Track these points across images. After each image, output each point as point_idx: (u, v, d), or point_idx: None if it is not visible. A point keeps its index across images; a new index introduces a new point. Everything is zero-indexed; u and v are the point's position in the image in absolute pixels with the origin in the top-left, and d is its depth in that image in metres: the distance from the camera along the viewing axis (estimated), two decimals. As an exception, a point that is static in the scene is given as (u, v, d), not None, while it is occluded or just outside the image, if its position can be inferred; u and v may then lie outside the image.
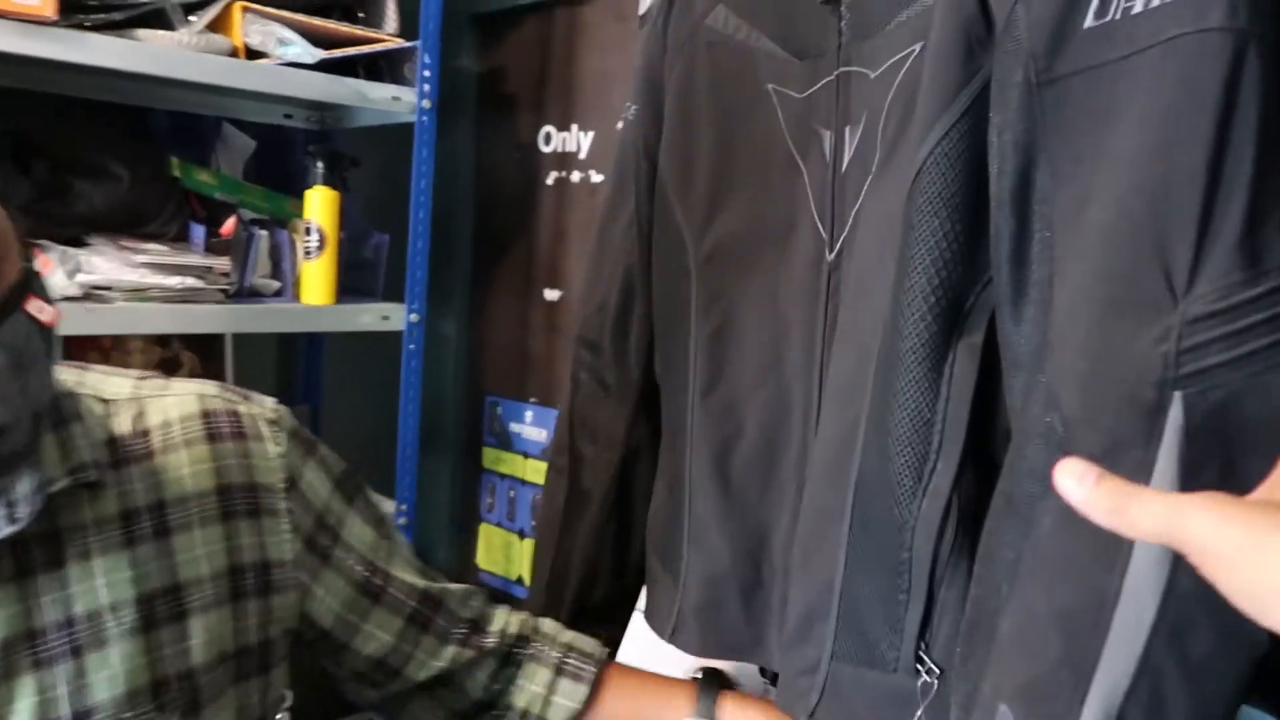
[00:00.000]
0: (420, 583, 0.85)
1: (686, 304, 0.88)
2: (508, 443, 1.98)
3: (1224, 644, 0.52)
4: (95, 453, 0.66)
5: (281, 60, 1.52)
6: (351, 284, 1.73)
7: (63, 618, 0.63)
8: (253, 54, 1.51)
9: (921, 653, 0.69)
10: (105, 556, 0.65)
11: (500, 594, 1.98)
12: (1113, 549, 0.53)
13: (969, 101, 0.65)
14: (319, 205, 1.63)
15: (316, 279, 1.64)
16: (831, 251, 0.78)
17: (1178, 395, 0.53)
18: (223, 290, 1.55)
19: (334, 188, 1.64)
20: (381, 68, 1.69)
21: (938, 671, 0.68)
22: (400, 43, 1.64)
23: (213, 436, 0.73)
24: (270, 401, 0.81)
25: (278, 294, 1.68)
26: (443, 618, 0.85)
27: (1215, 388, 0.52)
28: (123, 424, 0.70)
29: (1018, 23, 0.61)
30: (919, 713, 0.69)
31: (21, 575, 0.61)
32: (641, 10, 1.59)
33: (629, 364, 0.98)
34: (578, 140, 1.83)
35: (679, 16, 0.91)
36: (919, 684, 0.69)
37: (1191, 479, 0.53)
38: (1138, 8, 0.57)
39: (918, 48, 0.70)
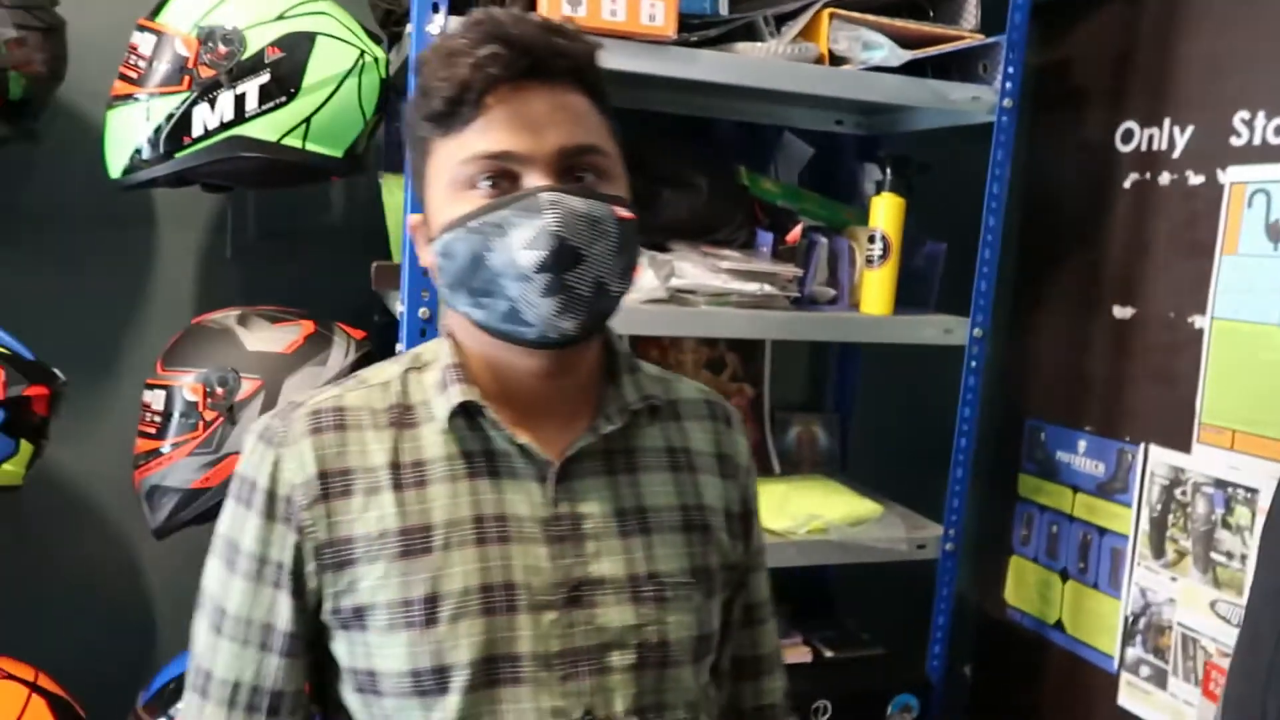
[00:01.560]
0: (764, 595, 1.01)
1: None
2: (1052, 473, 1.80)
3: None
4: (654, 389, 0.90)
5: (866, 65, 1.48)
6: (902, 294, 1.66)
7: (635, 506, 0.85)
8: (834, 60, 1.49)
9: None
10: (659, 473, 0.88)
11: (1031, 635, 1.82)
12: None
13: None
14: (885, 212, 1.57)
15: (877, 288, 1.59)
16: None
17: None
18: (789, 297, 1.55)
19: (900, 194, 1.58)
20: (949, 67, 1.60)
21: None
22: (983, 39, 1.54)
23: (714, 417, 0.95)
24: (732, 405, 1.01)
25: (832, 301, 1.65)
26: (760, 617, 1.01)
27: None
28: (661, 390, 0.92)
29: None
30: None
31: (610, 473, 0.85)
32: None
33: None
34: (1170, 137, 1.60)
35: None
36: None
37: None
38: None
39: None
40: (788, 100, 1.69)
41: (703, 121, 1.75)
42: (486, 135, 0.76)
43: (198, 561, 0.85)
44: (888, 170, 1.60)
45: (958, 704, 1.95)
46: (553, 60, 0.77)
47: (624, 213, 0.79)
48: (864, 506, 1.60)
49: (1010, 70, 1.52)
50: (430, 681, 0.77)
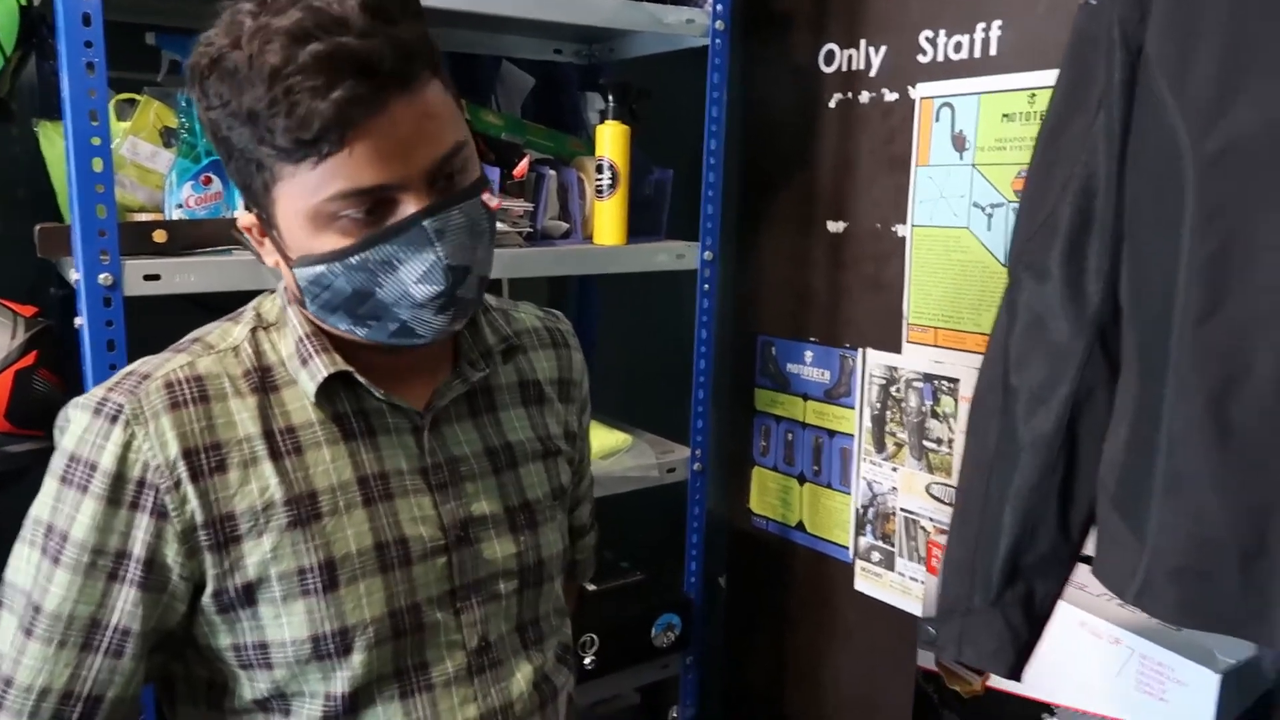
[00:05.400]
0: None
1: (1177, 217, 0.75)
2: (784, 384, 1.90)
3: None
4: (504, 325, 0.93)
5: (578, -12, 1.45)
6: (632, 223, 1.66)
7: (502, 443, 0.90)
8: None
9: None
10: (516, 408, 0.92)
11: (776, 539, 1.93)
12: None
13: None
14: (611, 141, 1.56)
15: (609, 218, 1.58)
16: None
17: None
18: (521, 233, 1.51)
19: (624, 122, 1.57)
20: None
21: None
22: (690, -38, 1.54)
23: (555, 344, 0.99)
24: (564, 317, 1.05)
25: (566, 235, 1.63)
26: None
27: None
28: (506, 324, 0.94)
29: None
30: None
31: (474, 415, 0.89)
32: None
33: (1085, 289, 0.86)
34: (866, 56, 1.69)
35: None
36: None
37: None
38: None
39: None
40: (504, 27, 1.62)
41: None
42: (353, 171, 0.70)
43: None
44: (610, 98, 1.58)
45: (715, 614, 2.05)
46: (408, 68, 0.70)
47: (492, 201, 0.79)
48: (613, 438, 1.61)
49: (720, -7, 1.54)
50: (332, 645, 0.78)
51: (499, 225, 1.46)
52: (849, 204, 1.74)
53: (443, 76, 0.75)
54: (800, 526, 1.88)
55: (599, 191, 1.58)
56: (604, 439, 1.61)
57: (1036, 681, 1.08)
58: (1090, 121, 0.83)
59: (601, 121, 1.57)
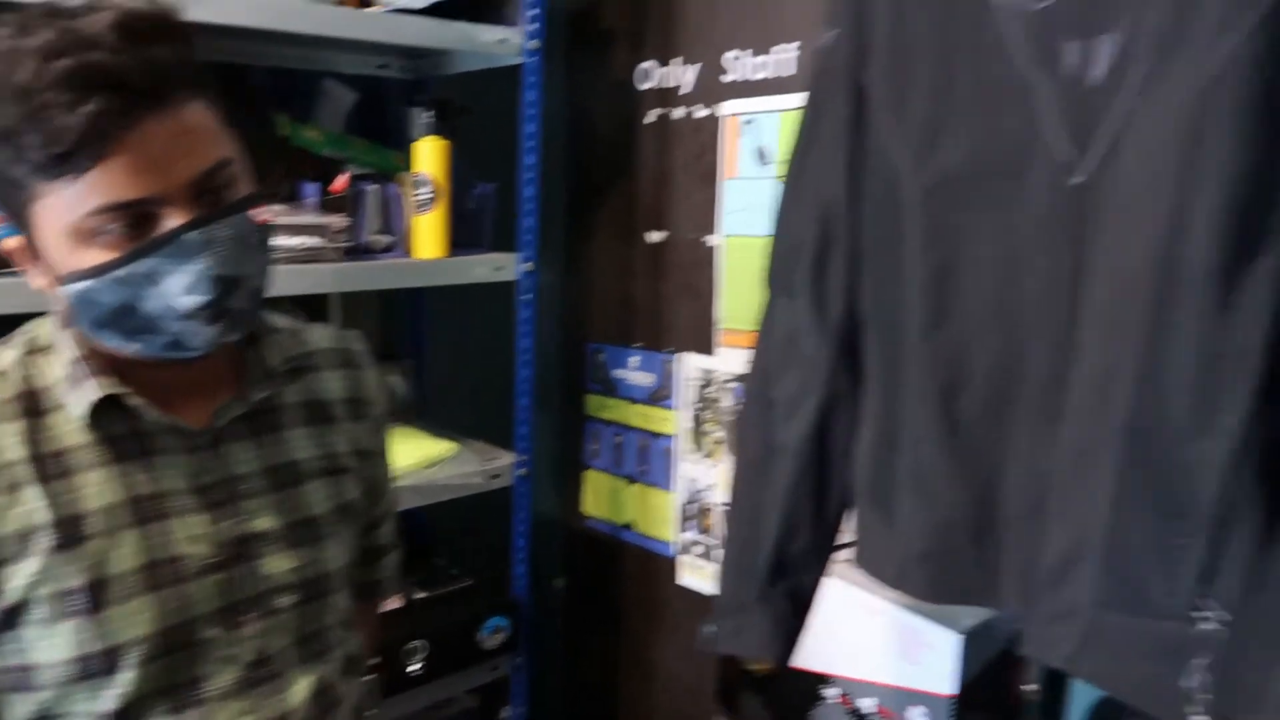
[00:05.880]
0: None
1: (903, 240, 0.85)
2: (612, 389, 1.97)
3: None
4: (292, 347, 0.94)
5: (390, 7, 1.48)
6: (457, 236, 1.70)
7: (285, 461, 0.90)
8: (365, 2, 1.47)
9: (1202, 600, 0.67)
10: (300, 428, 0.93)
11: (608, 539, 1.99)
12: None
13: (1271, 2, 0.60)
14: (429, 156, 1.60)
15: (429, 232, 1.62)
16: (1081, 174, 0.74)
17: None
18: (341, 248, 1.53)
19: (444, 137, 1.60)
20: (485, 10, 1.64)
21: (1227, 618, 0.66)
22: (505, -18, 1.59)
23: (346, 364, 1.00)
24: (359, 338, 1.07)
25: (388, 249, 1.66)
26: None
27: None
28: (295, 345, 0.96)
29: None
30: (1199, 661, 0.67)
31: (256, 434, 0.89)
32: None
33: (829, 306, 0.94)
34: (679, 75, 1.78)
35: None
36: (1197, 631, 0.67)
37: None
38: None
39: None
40: (323, 44, 1.63)
41: (234, 69, 1.64)
42: (111, 185, 0.71)
43: None
44: (428, 114, 1.61)
45: (553, 616, 2.10)
46: (161, 86, 0.72)
47: (262, 216, 0.80)
48: (438, 447, 1.64)
49: (533, 13, 1.60)
50: (98, 664, 0.78)
51: (315, 241, 1.47)
52: (667, 215, 1.83)
53: (209, 98, 0.77)
54: (630, 526, 1.96)
55: (419, 206, 1.61)
56: (428, 448, 1.64)
57: (816, 655, 1.17)
58: (827, 152, 0.92)
59: (420, 137, 1.60)
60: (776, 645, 1.02)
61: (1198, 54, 0.63)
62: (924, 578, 0.89)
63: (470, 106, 1.65)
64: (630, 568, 1.97)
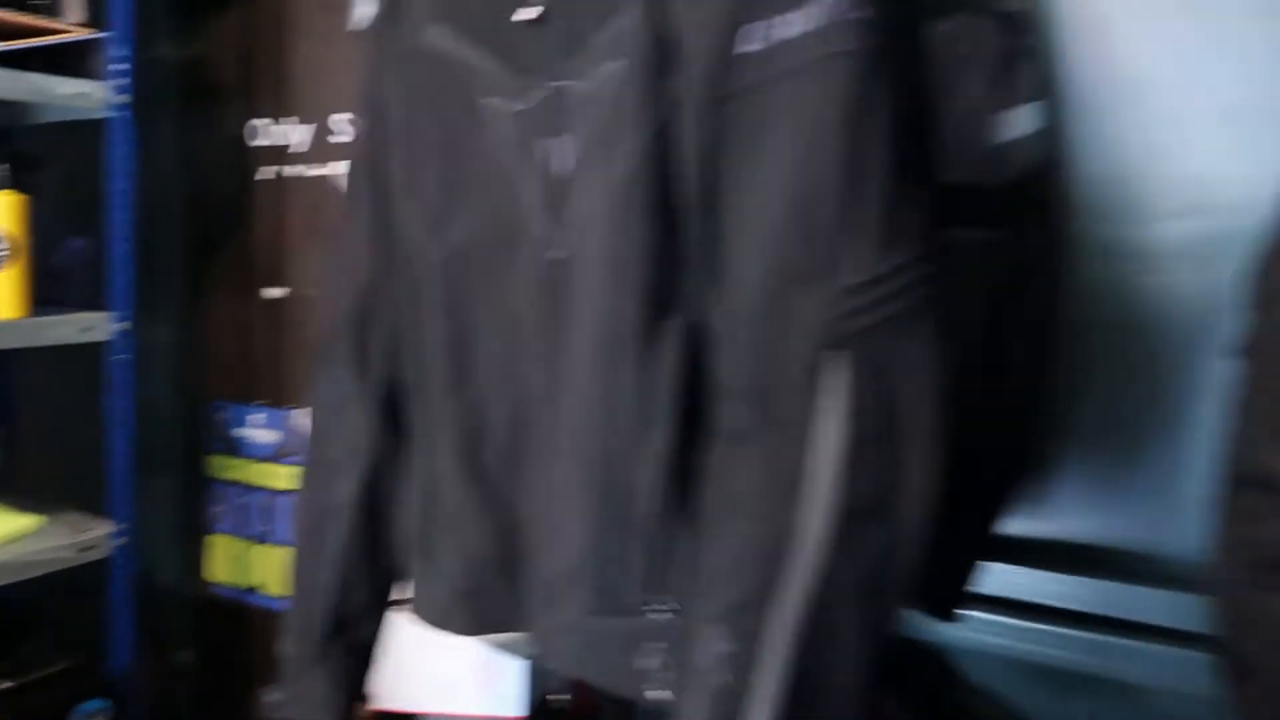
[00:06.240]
0: None
1: (427, 308, 0.92)
2: (235, 449, 1.92)
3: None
4: None
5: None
6: (48, 294, 1.60)
7: None
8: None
9: (654, 595, 0.80)
10: None
11: (234, 604, 1.92)
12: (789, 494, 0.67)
13: (662, 119, 0.75)
14: (5, 211, 1.50)
15: (6, 290, 1.51)
16: (557, 250, 0.85)
17: (839, 355, 0.67)
18: (-110, 308, 1.40)
19: (22, 191, 1.51)
20: (67, 60, 1.57)
21: (678, 607, 0.79)
22: (87, 33, 1.54)
23: None
24: None
25: (-41, 309, 1.53)
26: None
27: (868, 347, 0.67)
28: None
29: (689, 50, 0.73)
30: (654, 645, 0.80)
31: None
32: (356, 17, 1.59)
33: (371, 373, 1.00)
34: (291, 134, 1.80)
35: (396, 33, 0.94)
36: (647, 621, 0.80)
37: (855, 425, 0.67)
38: (786, 34, 0.71)
39: (620, 65, 0.79)
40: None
41: None
42: None
43: None
44: (5, 167, 1.52)
45: (184, 692, 1.99)
46: None
47: None
48: (17, 522, 1.52)
49: (121, 67, 1.55)
50: None
51: None
52: (285, 272, 1.82)
53: None
54: (258, 588, 1.90)
55: (-9, 263, 1.50)
56: (8, 524, 1.52)
57: (402, 695, 1.22)
58: (365, 228, 0.98)
59: (-8, 190, 1.50)
60: (334, 704, 1.04)
61: (621, 156, 0.77)
62: (464, 615, 0.96)
63: (48, 160, 1.57)
64: (260, 631, 1.91)
